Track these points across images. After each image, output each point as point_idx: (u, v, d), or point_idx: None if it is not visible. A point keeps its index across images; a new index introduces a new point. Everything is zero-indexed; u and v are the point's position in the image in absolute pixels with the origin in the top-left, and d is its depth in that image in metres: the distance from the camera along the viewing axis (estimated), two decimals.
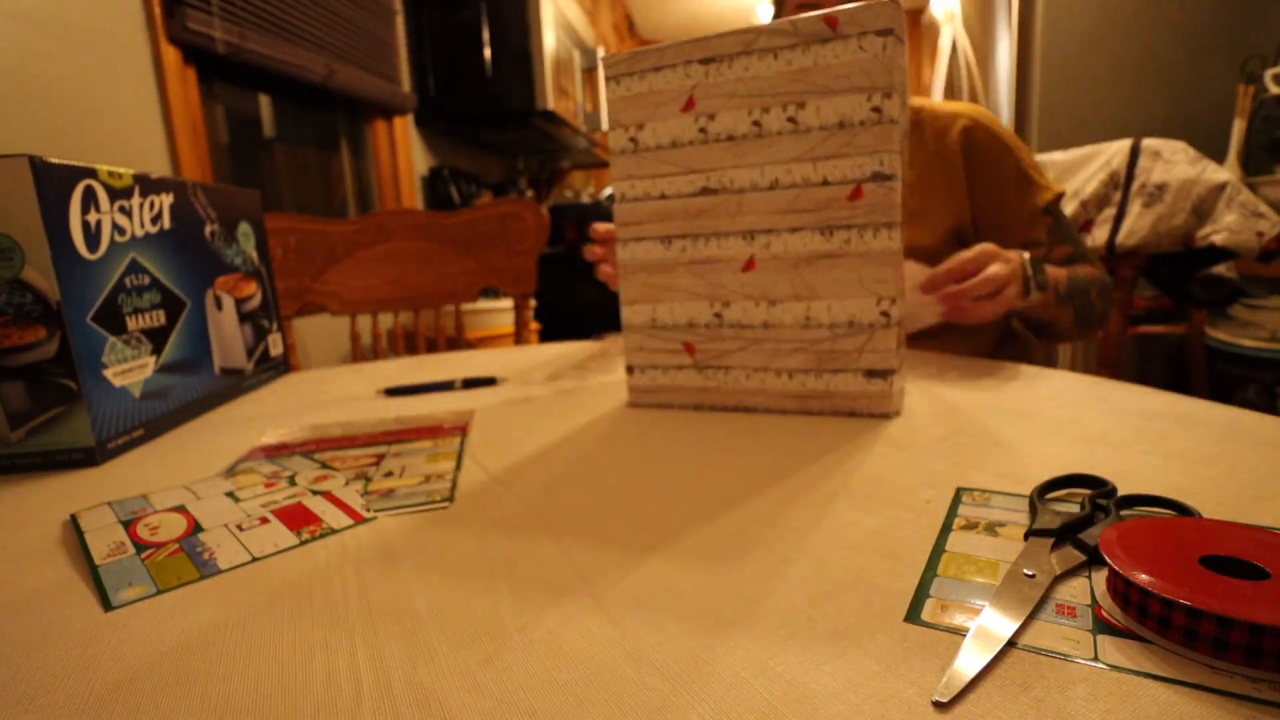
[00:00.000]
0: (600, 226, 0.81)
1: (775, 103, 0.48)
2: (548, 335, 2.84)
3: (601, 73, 0.54)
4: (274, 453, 0.49)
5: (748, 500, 0.36)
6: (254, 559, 0.33)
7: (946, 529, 0.31)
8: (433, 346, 2.11)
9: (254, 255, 0.76)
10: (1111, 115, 2.31)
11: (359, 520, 0.37)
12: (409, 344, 2.19)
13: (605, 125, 0.53)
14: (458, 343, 1.34)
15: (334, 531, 0.35)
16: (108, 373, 0.52)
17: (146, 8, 1.56)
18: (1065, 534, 0.29)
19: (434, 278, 1.28)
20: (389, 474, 0.44)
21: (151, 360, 0.57)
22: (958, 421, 0.47)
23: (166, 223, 0.60)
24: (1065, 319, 0.82)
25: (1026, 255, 0.70)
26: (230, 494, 0.41)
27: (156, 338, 0.58)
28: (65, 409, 0.49)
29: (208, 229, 0.67)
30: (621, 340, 0.58)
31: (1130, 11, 2.27)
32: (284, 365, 0.83)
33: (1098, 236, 1.38)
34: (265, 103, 2.07)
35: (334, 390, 0.73)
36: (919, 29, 3.48)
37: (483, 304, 2.22)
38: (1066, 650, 0.22)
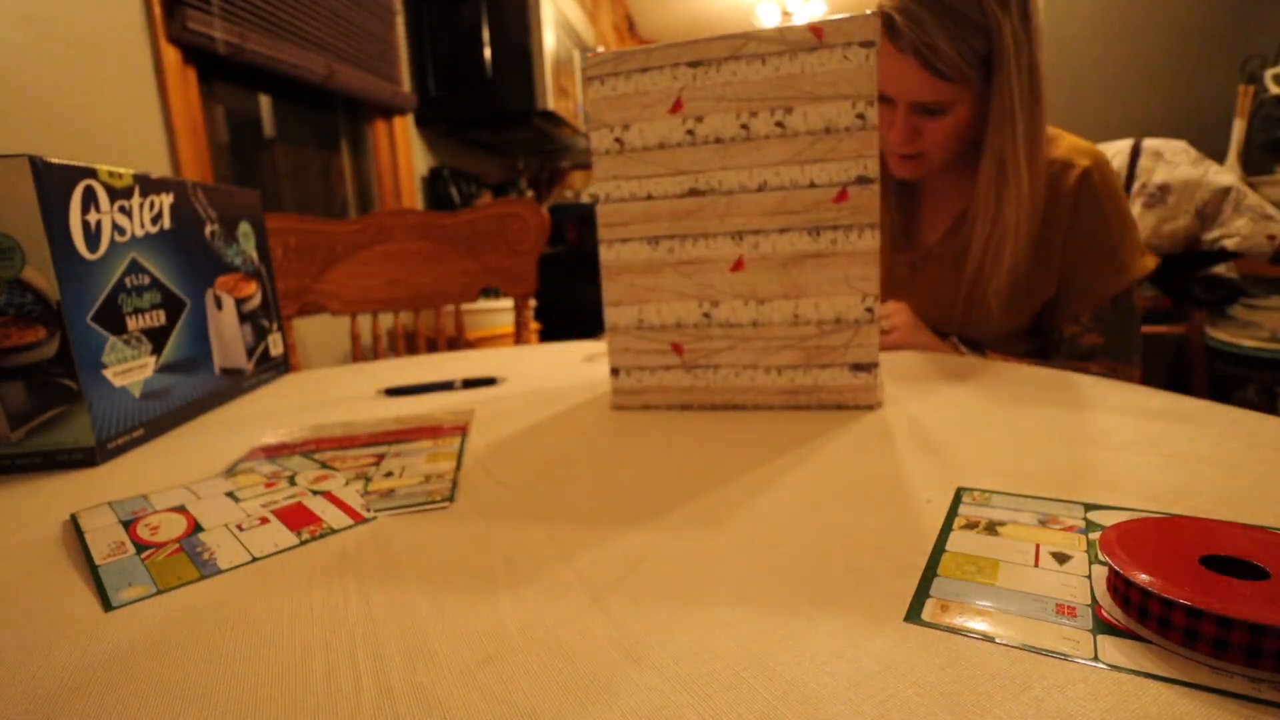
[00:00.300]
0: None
1: (763, 107, 0.49)
2: (548, 335, 2.84)
3: (579, 72, 0.54)
4: (274, 453, 0.49)
5: (749, 500, 0.36)
6: (254, 559, 0.33)
7: (946, 529, 0.31)
8: (433, 346, 2.11)
9: (254, 255, 0.76)
10: (1111, 115, 2.31)
11: (359, 520, 0.37)
12: (409, 344, 2.19)
13: (584, 124, 0.54)
14: (458, 343, 1.34)
15: (334, 531, 0.35)
16: (108, 373, 0.52)
17: (146, 8, 1.56)
18: None
19: (434, 278, 1.28)
20: (389, 474, 0.44)
21: (151, 360, 0.57)
22: (958, 421, 0.47)
23: (166, 223, 0.60)
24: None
25: (957, 339, 0.77)
26: (230, 494, 0.41)
27: (156, 338, 0.58)
28: (65, 409, 0.49)
29: (208, 229, 0.67)
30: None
31: (1130, 11, 2.27)
32: (284, 365, 0.83)
33: None
34: (265, 103, 2.07)
35: (334, 390, 0.73)
36: None
37: (483, 304, 2.22)
38: (1066, 650, 0.22)
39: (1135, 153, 1.41)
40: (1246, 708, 0.19)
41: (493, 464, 0.45)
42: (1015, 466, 0.38)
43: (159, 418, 0.58)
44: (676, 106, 0.50)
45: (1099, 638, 0.23)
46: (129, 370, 0.54)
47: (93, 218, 0.51)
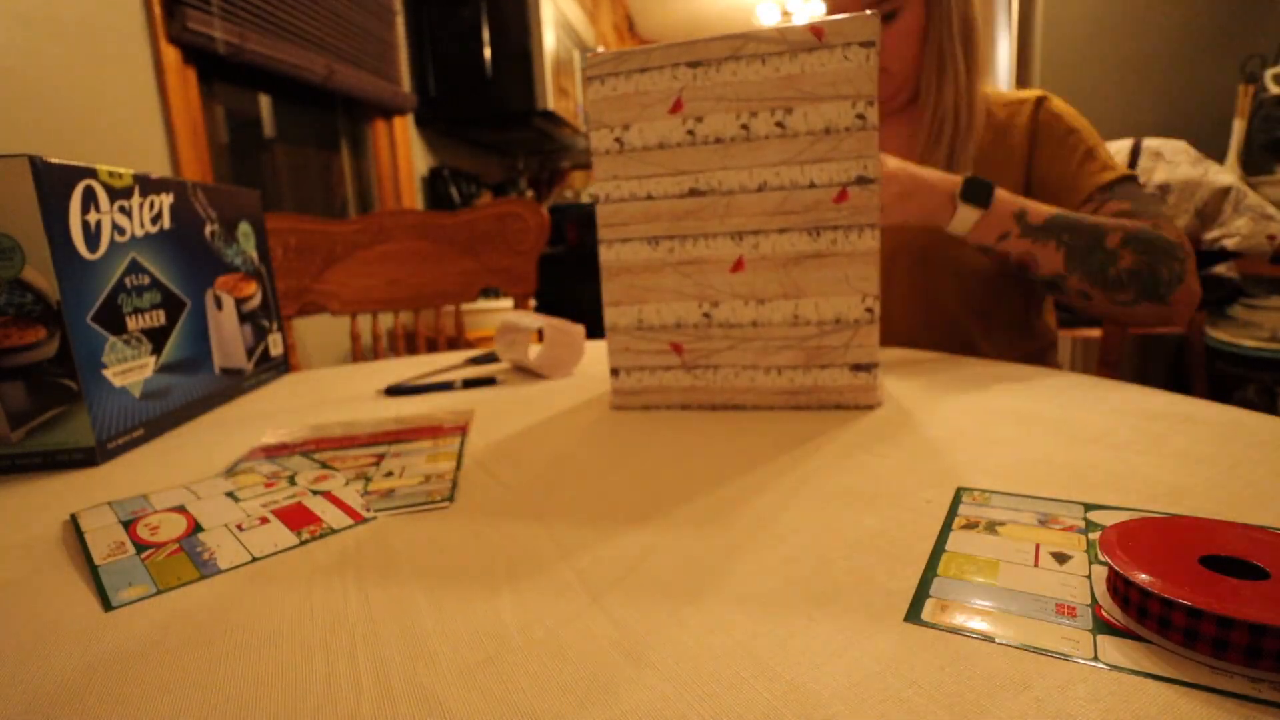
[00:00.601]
0: None
1: (763, 107, 0.49)
2: None
3: (579, 72, 0.55)
4: (274, 453, 0.49)
5: (749, 500, 0.36)
6: (254, 559, 0.33)
7: (946, 529, 0.31)
8: (433, 346, 2.11)
9: (254, 255, 0.76)
10: (1111, 115, 2.31)
11: (359, 520, 0.37)
12: (409, 344, 2.19)
13: (584, 124, 0.54)
14: (458, 343, 1.34)
15: (334, 531, 0.35)
16: (108, 373, 0.52)
17: (146, 8, 1.56)
18: None
19: (434, 278, 1.28)
20: (389, 474, 0.44)
21: (151, 360, 0.57)
22: (958, 421, 0.47)
23: (166, 223, 0.60)
24: (1049, 259, 0.68)
25: (958, 177, 0.69)
26: (230, 494, 0.41)
27: (156, 338, 0.58)
28: (65, 409, 0.49)
29: (208, 229, 0.67)
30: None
31: (1130, 11, 2.27)
32: (284, 365, 0.83)
33: None
34: (265, 103, 2.07)
35: (334, 390, 0.73)
36: None
37: (483, 304, 2.22)
38: (1066, 650, 0.22)
39: (1135, 153, 1.41)
40: (1246, 708, 0.19)
41: (493, 464, 0.45)
42: (1015, 466, 0.38)
43: (159, 418, 0.58)
44: (676, 107, 0.50)
45: (1099, 638, 0.23)
46: (129, 370, 0.54)
47: (93, 218, 0.51)
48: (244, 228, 0.75)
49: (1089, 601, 0.25)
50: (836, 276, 0.50)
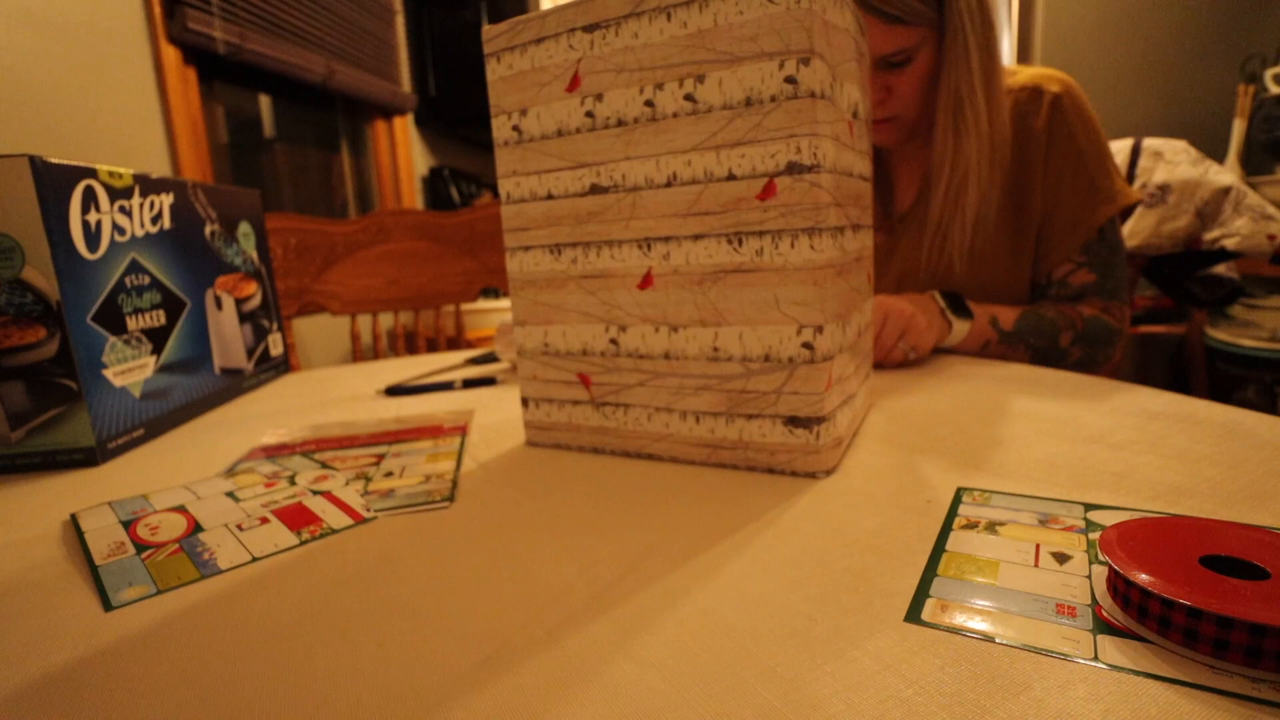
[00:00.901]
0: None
1: (670, 76, 0.39)
2: None
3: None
4: (274, 453, 0.49)
5: (749, 499, 0.36)
6: (254, 559, 0.33)
7: (946, 529, 0.31)
8: (433, 346, 2.11)
9: (254, 255, 0.76)
10: (1111, 115, 2.31)
11: (359, 520, 0.37)
12: (409, 344, 2.19)
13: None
14: (458, 343, 1.34)
15: (334, 531, 0.35)
16: (108, 373, 0.52)
17: (146, 8, 1.56)
18: None
19: (434, 278, 1.28)
20: (389, 474, 0.44)
21: (151, 360, 0.57)
22: (958, 421, 0.47)
23: (166, 223, 0.60)
24: (1019, 359, 0.78)
25: (937, 293, 0.74)
26: (230, 494, 0.41)
27: (156, 338, 0.58)
28: (65, 409, 0.49)
29: (208, 229, 0.67)
30: None
31: (1130, 11, 2.27)
32: (284, 365, 0.83)
33: None
34: (265, 103, 2.07)
35: (334, 390, 0.73)
36: None
37: (483, 304, 2.22)
38: (1066, 650, 0.22)
39: (1135, 153, 1.41)
40: (1246, 708, 0.19)
41: (492, 464, 0.45)
42: (1015, 466, 0.38)
43: (159, 418, 0.58)
44: (574, 83, 0.42)
45: (1099, 638, 0.23)
46: (129, 370, 0.54)
47: (93, 218, 0.51)
48: (244, 228, 0.75)
49: (1089, 601, 0.25)
50: (763, 299, 0.39)
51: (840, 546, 0.30)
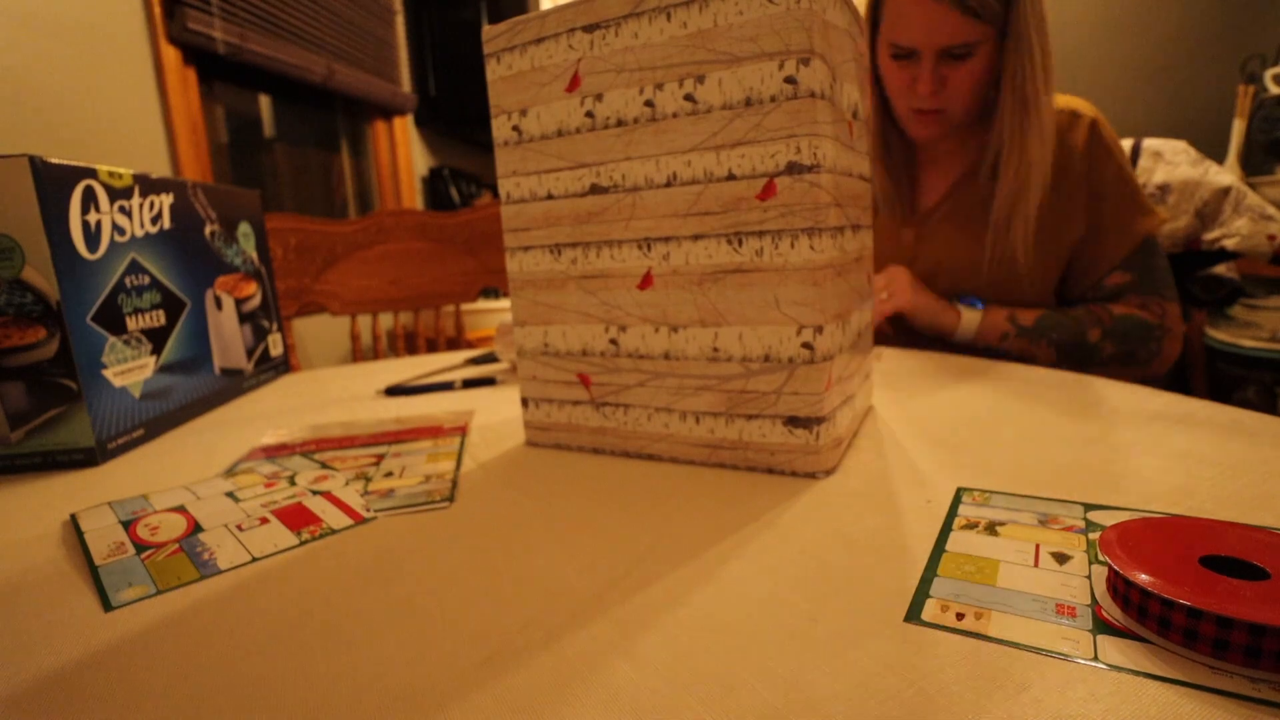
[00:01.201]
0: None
1: (670, 76, 0.40)
2: None
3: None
4: (274, 453, 0.49)
5: (749, 499, 0.36)
6: (254, 559, 0.33)
7: (946, 529, 0.31)
8: (433, 346, 2.11)
9: (254, 255, 0.76)
10: (1112, 115, 2.31)
11: (359, 520, 0.37)
12: (409, 344, 2.19)
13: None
14: (458, 343, 1.34)
15: (334, 531, 0.35)
16: (108, 373, 0.52)
17: (146, 8, 1.56)
18: None
19: (434, 278, 1.28)
20: (389, 474, 0.44)
21: (151, 360, 0.57)
22: (958, 421, 0.47)
23: (166, 223, 0.60)
24: (1044, 354, 0.79)
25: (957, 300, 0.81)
26: (230, 494, 0.41)
27: (156, 338, 0.58)
28: (65, 409, 0.49)
29: (208, 229, 0.67)
30: None
31: (1130, 12, 2.27)
32: (284, 365, 0.83)
33: None
34: (265, 103, 2.07)
35: (334, 390, 0.73)
36: None
37: (483, 304, 2.22)
38: (1066, 650, 0.22)
39: (1135, 153, 1.41)
40: (1246, 708, 0.19)
41: (493, 464, 0.45)
42: (1015, 466, 0.38)
43: (159, 418, 0.58)
44: (574, 83, 0.43)
45: (1099, 638, 0.23)
46: (129, 370, 0.54)
47: (93, 218, 0.51)
48: (244, 228, 0.75)
49: (1089, 601, 0.25)
50: (763, 299, 0.39)
51: (840, 546, 0.30)
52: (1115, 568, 0.24)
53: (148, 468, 0.48)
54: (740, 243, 0.39)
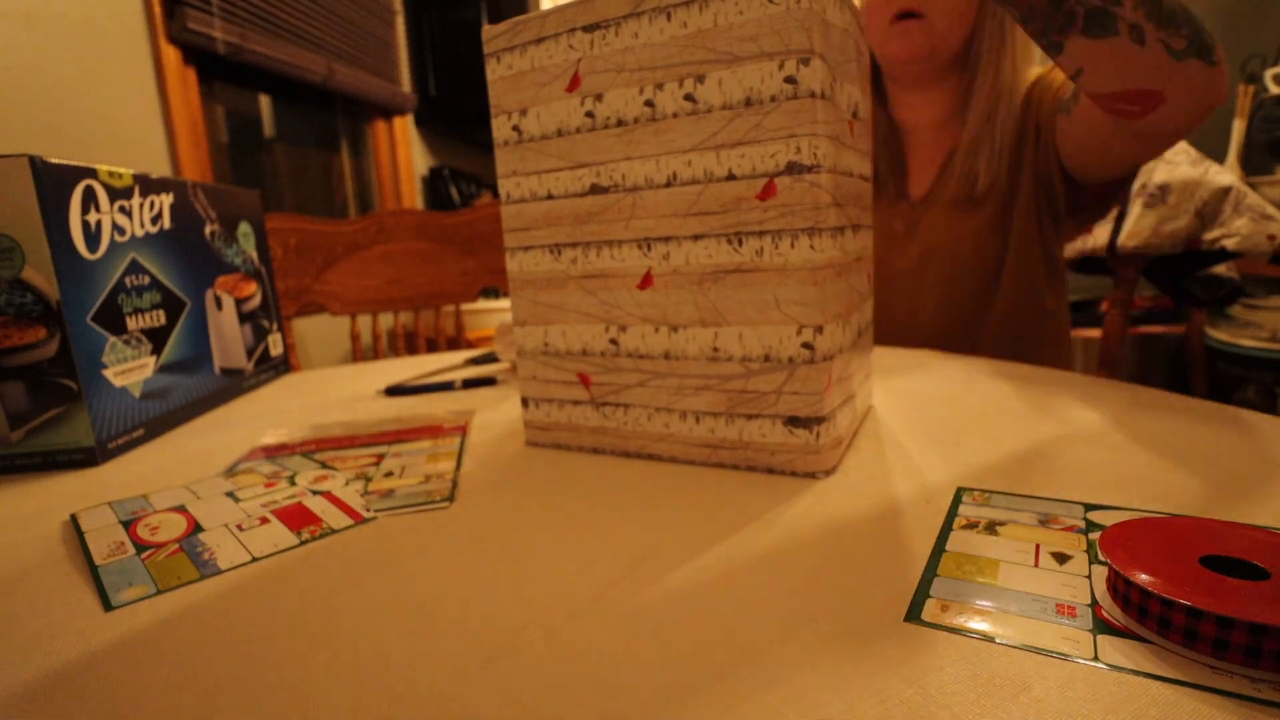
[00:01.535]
0: None
1: (670, 76, 0.40)
2: None
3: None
4: (274, 453, 0.49)
5: (749, 499, 0.36)
6: (254, 559, 0.33)
7: (946, 529, 0.31)
8: (433, 346, 2.11)
9: (254, 255, 0.76)
10: None
11: (359, 520, 0.37)
12: (409, 344, 2.19)
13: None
14: (458, 343, 1.34)
15: (334, 531, 0.35)
16: (108, 373, 0.52)
17: (146, 8, 1.56)
18: None
19: (434, 278, 1.28)
20: (389, 474, 0.44)
21: (151, 360, 0.57)
22: (958, 421, 0.47)
23: (166, 223, 0.60)
24: (1066, 27, 0.58)
25: None
26: (230, 494, 0.41)
27: (156, 338, 0.58)
28: (65, 409, 0.49)
29: (208, 229, 0.67)
30: None
31: None
32: (284, 365, 0.83)
33: (1099, 237, 1.38)
34: (265, 103, 2.07)
35: (334, 390, 0.73)
36: None
37: (483, 304, 2.22)
38: (1066, 650, 0.22)
39: None
40: (1246, 708, 0.19)
41: (493, 464, 0.45)
42: (1015, 466, 0.38)
43: (159, 418, 0.58)
44: (574, 83, 0.43)
45: (1099, 638, 0.23)
46: (129, 370, 0.54)
47: (93, 218, 0.51)
48: (244, 228, 0.75)
49: (1089, 601, 0.25)
50: (763, 299, 0.39)
51: (840, 546, 0.30)
52: (1115, 568, 0.24)
53: (148, 468, 0.48)
54: (740, 243, 0.39)
